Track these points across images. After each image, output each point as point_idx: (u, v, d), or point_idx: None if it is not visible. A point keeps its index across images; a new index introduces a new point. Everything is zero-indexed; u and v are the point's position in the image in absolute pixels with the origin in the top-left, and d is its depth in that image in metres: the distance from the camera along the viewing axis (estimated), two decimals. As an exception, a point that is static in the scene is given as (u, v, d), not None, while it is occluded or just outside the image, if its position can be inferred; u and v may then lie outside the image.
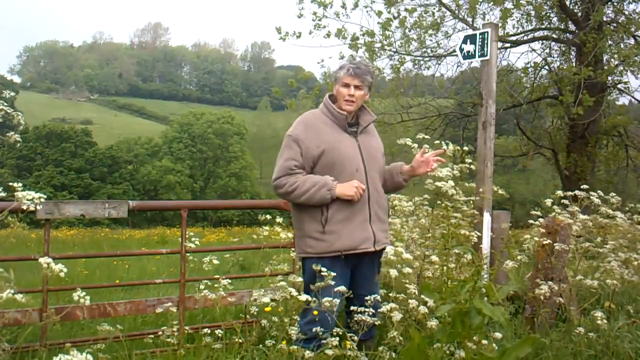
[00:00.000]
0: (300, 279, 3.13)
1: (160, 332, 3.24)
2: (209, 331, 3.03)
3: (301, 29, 10.41)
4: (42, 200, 2.05)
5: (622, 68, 9.85)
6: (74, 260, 7.39)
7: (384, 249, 3.10)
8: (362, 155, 3.03)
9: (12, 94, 2.19)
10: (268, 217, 3.79)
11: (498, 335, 2.60)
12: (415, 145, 3.77)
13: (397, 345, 2.75)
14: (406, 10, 10.08)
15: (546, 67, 11.39)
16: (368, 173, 3.02)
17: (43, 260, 2.01)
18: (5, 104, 2.09)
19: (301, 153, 2.94)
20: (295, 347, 2.64)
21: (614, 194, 4.23)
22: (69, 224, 28.00)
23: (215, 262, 3.08)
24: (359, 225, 2.94)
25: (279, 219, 3.89)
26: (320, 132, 2.98)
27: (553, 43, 11.55)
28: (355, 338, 2.59)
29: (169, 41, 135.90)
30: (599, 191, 4.21)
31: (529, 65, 11.17)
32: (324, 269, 2.71)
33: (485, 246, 4.10)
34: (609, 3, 10.32)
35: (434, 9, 10.33)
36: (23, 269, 6.91)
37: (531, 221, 4.10)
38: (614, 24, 9.83)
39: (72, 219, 13.83)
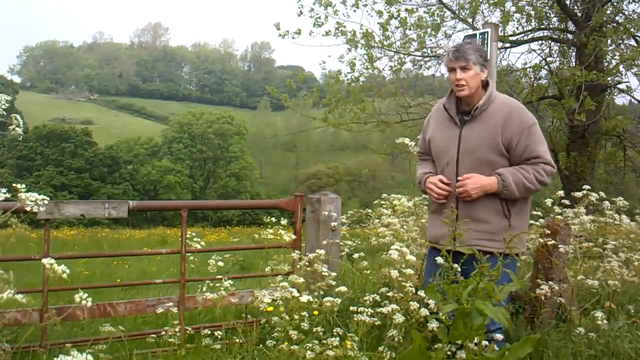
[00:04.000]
0: (301, 279, 3.12)
1: (163, 332, 3.24)
2: (209, 332, 3.03)
3: (301, 28, 10.41)
4: (45, 202, 2.04)
5: (622, 69, 9.83)
6: (74, 260, 7.39)
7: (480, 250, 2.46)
8: (459, 148, 2.80)
9: (9, 97, 2.17)
10: (273, 219, 3.80)
11: (499, 336, 2.60)
12: (413, 144, 3.77)
13: (398, 345, 2.75)
14: (407, 10, 10.09)
15: (546, 67, 11.38)
16: (460, 167, 2.78)
17: (46, 261, 2.01)
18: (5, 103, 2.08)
19: (424, 140, 3.07)
20: (296, 347, 2.62)
21: (621, 198, 4.23)
22: (69, 224, 27.97)
23: (220, 264, 3.08)
24: (442, 221, 2.70)
25: (283, 221, 3.88)
26: (432, 122, 3.04)
27: (553, 43, 11.54)
28: (356, 338, 2.58)
29: (169, 41, 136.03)
30: (601, 192, 4.21)
31: (528, 66, 11.16)
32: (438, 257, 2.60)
33: (486, 246, 4.09)
34: (609, 3, 10.30)
35: (435, 9, 10.32)
36: (23, 269, 6.91)
37: (532, 221, 4.09)
38: (614, 24, 9.80)
39: (72, 219, 13.83)
